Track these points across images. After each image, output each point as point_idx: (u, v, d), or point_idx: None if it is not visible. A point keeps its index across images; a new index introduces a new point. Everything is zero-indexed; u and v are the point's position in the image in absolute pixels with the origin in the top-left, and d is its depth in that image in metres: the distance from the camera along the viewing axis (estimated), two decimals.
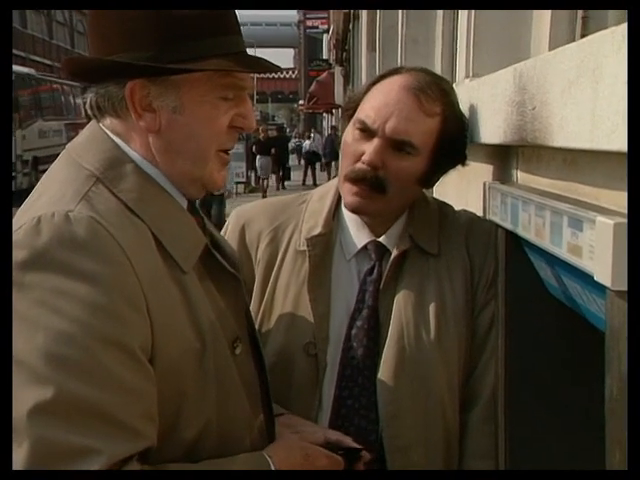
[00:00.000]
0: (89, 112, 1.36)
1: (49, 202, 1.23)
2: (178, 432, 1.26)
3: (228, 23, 1.33)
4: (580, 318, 1.46)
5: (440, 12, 4.16)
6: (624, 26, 0.98)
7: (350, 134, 1.70)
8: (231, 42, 1.32)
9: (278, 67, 1.43)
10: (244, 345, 1.40)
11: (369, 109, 1.67)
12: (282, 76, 75.29)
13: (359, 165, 1.66)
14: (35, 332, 1.13)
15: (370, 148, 1.64)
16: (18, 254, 1.16)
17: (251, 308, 1.76)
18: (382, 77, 1.73)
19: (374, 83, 1.73)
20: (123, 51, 1.28)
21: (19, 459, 1.11)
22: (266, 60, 1.39)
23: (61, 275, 1.15)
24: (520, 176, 1.72)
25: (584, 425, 1.59)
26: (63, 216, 1.18)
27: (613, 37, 1.01)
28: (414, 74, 1.69)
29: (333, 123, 34.18)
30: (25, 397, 1.12)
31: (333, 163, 23.35)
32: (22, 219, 1.22)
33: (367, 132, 1.66)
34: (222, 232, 1.84)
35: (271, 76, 72.39)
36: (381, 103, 1.66)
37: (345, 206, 1.73)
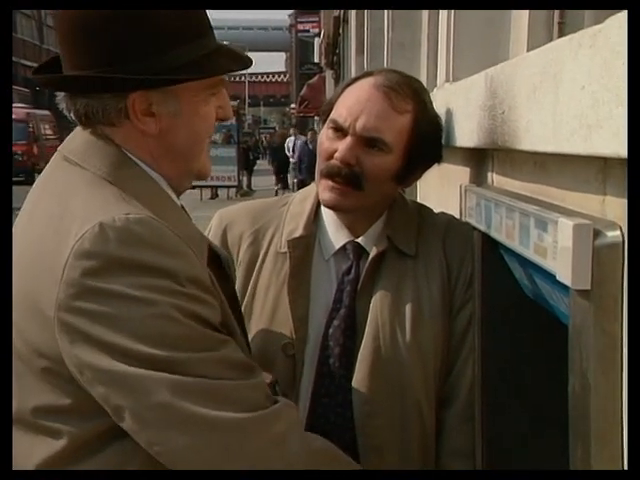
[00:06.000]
0: (76, 120, 1.38)
1: (95, 209, 1.26)
2: None
3: (204, 22, 1.39)
4: (555, 318, 1.48)
5: (425, 16, 4.18)
6: (581, 33, 1.01)
7: (324, 134, 1.74)
8: (210, 40, 1.38)
9: (250, 60, 1.49)
10: (236, 336, 1.45)
11: (341, 108, 1.71)
12: (274, 80, 75.31)
13: (333, 162, 1.69)
14: (142, 324, 1.20)
15: (342, 145, 1.68)
16: (88, 263, 1.20)
17: None
18: (355, 80, 1.77)
19: (347, 85, 1.77)
20: (111, 64, 1.30)
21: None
22: (242, 49, 1.49)
23: (141, 273, 1.21)
24: (495, 179, 1.75)
25: (560, 423, 1.61)
26: (124, 219, 1.24)
27: (571, 44, 1.04)
28: (385, 74, 1.73)
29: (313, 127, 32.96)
30: (160, 383, 1.20)
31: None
32: (57, 229, 1.26)
33: (340, 131, 1.70)
34: (204, 233, 1.87)
35: (263, 80, 72.45)
36: (352, 102, 1.70)
37: (322, 203, 1.75)
